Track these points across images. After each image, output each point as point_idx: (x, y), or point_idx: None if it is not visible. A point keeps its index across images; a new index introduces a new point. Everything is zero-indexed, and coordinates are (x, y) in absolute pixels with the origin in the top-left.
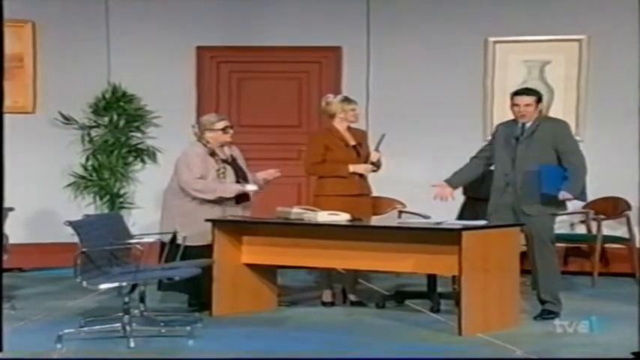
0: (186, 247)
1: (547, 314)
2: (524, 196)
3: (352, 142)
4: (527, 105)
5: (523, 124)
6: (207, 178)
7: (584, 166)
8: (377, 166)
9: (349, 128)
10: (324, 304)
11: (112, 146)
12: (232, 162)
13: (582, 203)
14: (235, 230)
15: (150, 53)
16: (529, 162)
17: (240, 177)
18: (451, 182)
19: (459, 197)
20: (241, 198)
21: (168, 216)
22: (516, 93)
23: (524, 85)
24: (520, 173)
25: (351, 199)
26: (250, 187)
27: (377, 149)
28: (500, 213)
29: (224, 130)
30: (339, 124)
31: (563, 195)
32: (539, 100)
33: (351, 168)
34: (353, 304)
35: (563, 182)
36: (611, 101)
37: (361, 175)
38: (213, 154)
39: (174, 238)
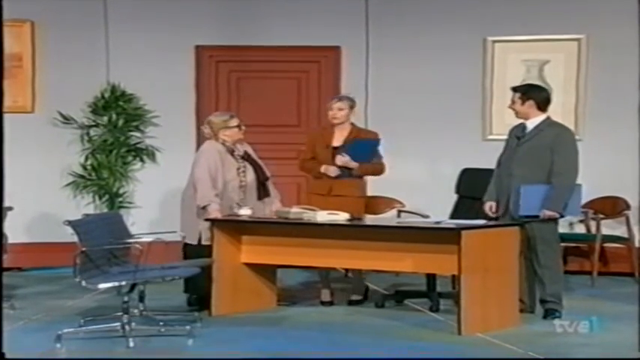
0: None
1: (552, 312)
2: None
3: (336, 144)
4: (513, 102)
5: (524, 126)
6: (227, 178)
7: (571, 178)
8: (348, 168)
9: (353, 129)
10: (322, 303)
11: (111, 146)
12: (248, 158)
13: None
14: (235, 230)
15: (149, 52)
16: (526, 166)
17: (259, 172)
18: (495, 197)
19: (452, 196)
20: (262, 194)
21: (189, 216)
22: (513, 88)
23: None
24: (517, 177)
25: (320, 198)
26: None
27: (342, 154)
28: (507, 215)
29: (239, 127)
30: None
31: (544, 214)
32: (525, 96)
33: (322, 169)
34: (351, 303)
35: (544, 200)
36: (610, 101)
37: (339, 176)
38: (232, 152)
39: (200, 238)
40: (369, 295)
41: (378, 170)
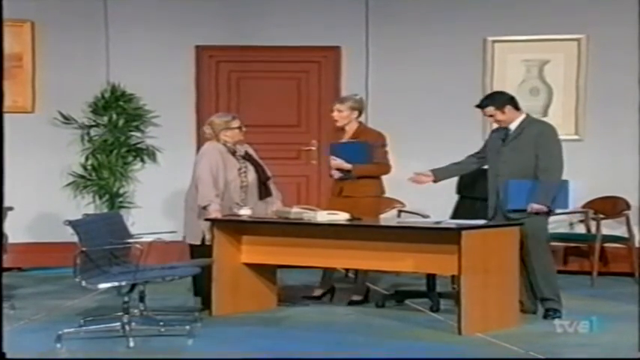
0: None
1: (552, 312)
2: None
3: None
4: (490, 115)
5: (506, 128)
6: (228, 178)
7: (556, 173)
8: (346, 171)
9: (357, 130)
10: (306, 297)
11: (111, 146)
12: (250, 158)
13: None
14: (235, 230)
15: (149, 52)
16: (513, 166)
17: (260, 172)
18: (436, 174)
19: (453, 196)
20: (263, 194)
21: (193, 216)
22: (477, 106)
23: (524, 85)
24: (504, 176)
25: (333, 199)
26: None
27: (332, 157)
28: (498, 215)
29: (240, 128)
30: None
31: (531, 207)
32: (500, 105)
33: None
34: (351, 303)
35: (532, 194)
36: (610, 101)
37: (344, 178)
38: (234, 153)
39: (204, 238)
40: (370, 296)
41: (379, 170)
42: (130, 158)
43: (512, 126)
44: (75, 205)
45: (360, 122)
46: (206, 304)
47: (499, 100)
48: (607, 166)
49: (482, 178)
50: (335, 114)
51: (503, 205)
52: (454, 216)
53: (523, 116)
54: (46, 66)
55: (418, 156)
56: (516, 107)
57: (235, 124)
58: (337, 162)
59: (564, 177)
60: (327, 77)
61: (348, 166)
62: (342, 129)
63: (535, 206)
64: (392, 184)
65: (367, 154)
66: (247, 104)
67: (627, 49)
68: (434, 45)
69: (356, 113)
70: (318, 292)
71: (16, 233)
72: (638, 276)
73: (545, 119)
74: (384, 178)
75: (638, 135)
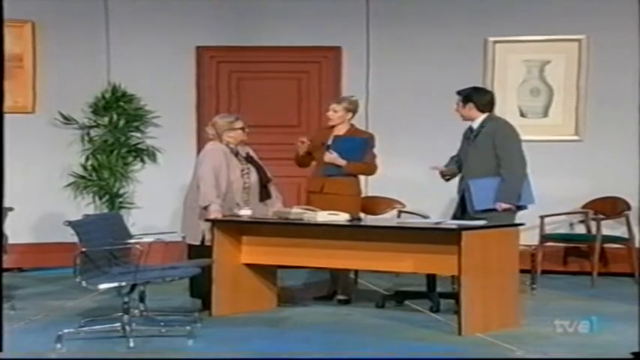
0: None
1: None
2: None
3: (330, 142)
4: (457, 106)
5: (471, 127)
6: (231, 179)
7: (517, 169)
8: (337, 165)
9: (350, 129)
10: (319, 297)
11: (111, 146)
12: (251, 160)
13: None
14: (235, 230)
15: (149, 53)
16: (475, 164)
17: (262, 174)
18: (444, 173)
19: (454, 196)
20: (264, 196)
21: (192, 217)
22: (458, 92)
23: (524, 85)
24: (468, 175)
25: (314, 196)
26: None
27: (330, 151)
28: (466, 215)
29: (243, 129)
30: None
31: (500, 206)
32: (465, 99)
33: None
34: (340, 302)
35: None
36: (610, 101)
37: (329, 174)
38: (237, 154)
39: (203, 238)
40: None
41: (368, 169)
42: (131, 159)
43: (475, 124)
44: (75, 205)
45: (351, 124)
46: (206, 304)
47: (472, 96)
48: (607, 166)
49: None
50: (330, 113)
51: (470, 206)
52: (455, 216)
53: (485, 115)
54: (46, 66)
55: (418, 156)
56: (481, 109)
57: (238, 124)
58: (333, 156)
59: (566, 176)
60: (327, 78)
61: (342, 162)
62: (332, 128)
63: (503, 205)
64: (393, 185)
65: (363, 152)
66: (248, 104)
67: (627, 50)
68: (435, 45)
69: (350, 114)
70: (329, 291)
71: (16, 234)
72: (638, 276)
73: (545, 120)
74: (381, 177)
75: (638, 135)
